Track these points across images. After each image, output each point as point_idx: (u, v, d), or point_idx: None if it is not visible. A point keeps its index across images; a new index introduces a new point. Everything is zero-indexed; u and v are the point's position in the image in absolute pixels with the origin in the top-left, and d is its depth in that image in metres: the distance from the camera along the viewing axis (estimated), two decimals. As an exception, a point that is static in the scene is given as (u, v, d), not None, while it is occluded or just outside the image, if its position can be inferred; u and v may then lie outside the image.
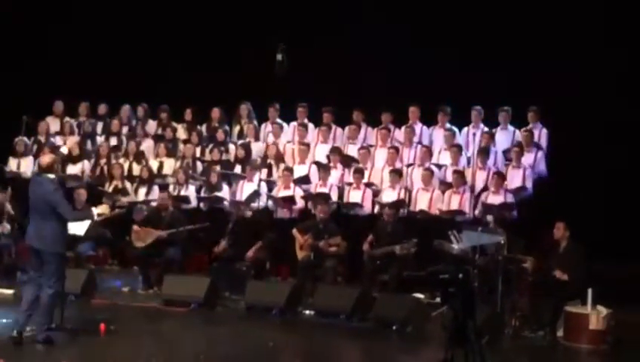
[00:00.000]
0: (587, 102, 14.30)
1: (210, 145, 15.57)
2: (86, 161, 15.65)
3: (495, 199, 13.56)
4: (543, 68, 14.52)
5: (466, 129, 14.96)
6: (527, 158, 14.21)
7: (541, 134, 14.59)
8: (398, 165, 14.46)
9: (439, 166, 14.47)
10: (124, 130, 16.35)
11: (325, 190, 14.28)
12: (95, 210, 10.55)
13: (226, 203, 14.65)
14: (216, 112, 16.02)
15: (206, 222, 13.94)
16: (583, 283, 11.05)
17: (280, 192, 14.49)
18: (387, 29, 15.65)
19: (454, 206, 13.71)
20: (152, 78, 16.41)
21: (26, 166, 15.55)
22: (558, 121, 14.41)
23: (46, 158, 10.12)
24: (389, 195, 14.06)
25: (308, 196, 14.34)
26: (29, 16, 17.17)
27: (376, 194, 14.32)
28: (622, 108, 14.17)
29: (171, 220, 13.66)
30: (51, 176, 9.91)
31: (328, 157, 14.91)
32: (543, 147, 14.51)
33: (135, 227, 13.65)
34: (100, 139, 16.21)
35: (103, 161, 15.62)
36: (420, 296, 12.64)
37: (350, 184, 14.39)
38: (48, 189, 9.78)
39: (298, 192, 14.41)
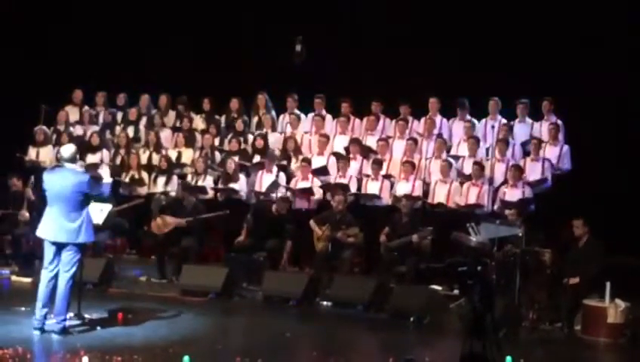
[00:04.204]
0: (605, 96, 14.22)
1: (229, 136, 15.58)
2: (105, 151, 15.67)
3: (513, 193, 13.49)
4: (562, 60, 14.47)
5: (484, 120, 14.92)
6: (553, 152, 14.14)
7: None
8: (416, 157, 14.44)
9: (457, 157, 14.44)
10: (143, 120, 16.37)
11: (345, 181, 14.26)
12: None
13: (242, 193, 14.64)
14: (235, 103, 16.01)
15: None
16: (595, 281, 11.05)
17: (298, 183, 14.49)
18: (406, 20, 15.61)
19: (473, 198, 13.66)
20: (171, 68, 16.39)
21: (44, 155, 15.55)
22: (576, 114, 14.34)
23: (69, 148, 10.07)
24: (403, 187, 14.05)
25: (326, 186, 14.32)
26: (49, 3, 17.17)
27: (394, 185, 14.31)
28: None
29: (192, 210, 13.68)
30: (75, 165, 9.90)
31: (347, 148, 14.89)
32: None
33: (157, 218, 13.68)
34: (118, 129, 16.23)
35: (122, 151, 15.64)
36: (438, 287, 12.63)
37: (368, 175, 14.37)
38: (83, 179, 9.72)
39: (316, 183, 14.40)
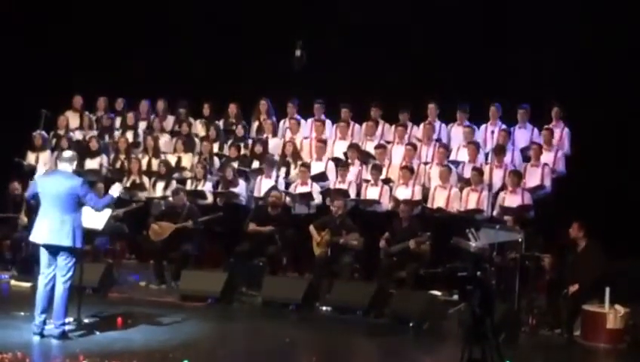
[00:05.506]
0: (607, 102, 14.23)
1: (229, 142, 15.57)
2: (104, 156, 15.67)
3: (512, 200, 13.47)
4: (564, 66, 14.47)
5: (484, 126, 14.92)
6: (547, 157, 14.15)
7: (563, 133, 14.51)
8: (415, 162, 14.44)
9: (457, 163, 14.44)
10: (142, 124, 16.36)
11: (344, 186, 14.25)
12: (113, 193, 10.21)
13: (242, 198, 14.65)
14: (232, 108, 16.02)
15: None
16: (599, 284, 11.02)
17: (297, 188, 14.48)
18: (406, 26, 15.62)
19: (472, 203, 13.66)
20: (172, 73, 16.39)
21: (43, 160, 15.55)
22: (578, 119, 14.36)
23: (67, 153, 10.12)
24: (402, 192, 14.04)
25: (326, 192, 14.32)
26: (50, 7, 17.14)
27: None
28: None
29: (188, 215, 13.68)
30: (70, 170, 9.91)
31: (345, 153, 14.89)
32: (564, 146, 14.44)
33: (153, 225, 13.67)
34: (117, 134, 16.22)
35: (122, 156, 15.63)
36: (437, 293, 12.62)
37: (367, 181, 14.37)
38: (75, 183, 9.75)
39: (315, 188, 14.39)
